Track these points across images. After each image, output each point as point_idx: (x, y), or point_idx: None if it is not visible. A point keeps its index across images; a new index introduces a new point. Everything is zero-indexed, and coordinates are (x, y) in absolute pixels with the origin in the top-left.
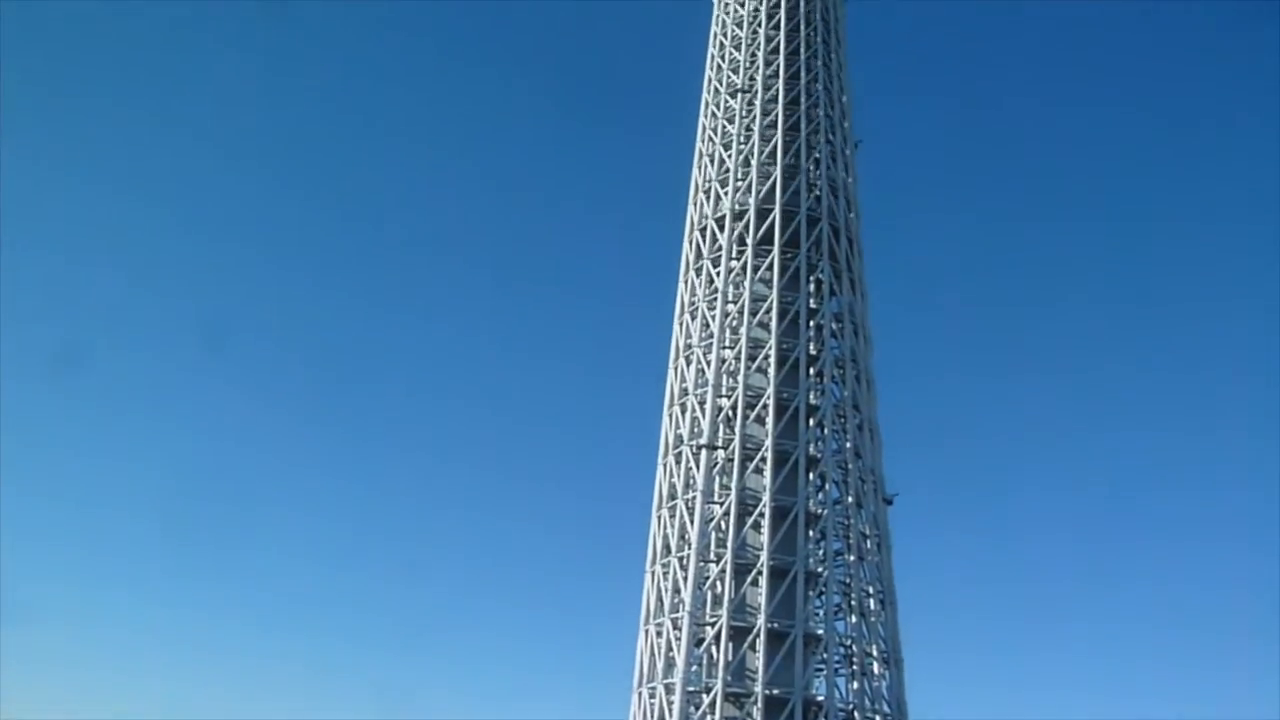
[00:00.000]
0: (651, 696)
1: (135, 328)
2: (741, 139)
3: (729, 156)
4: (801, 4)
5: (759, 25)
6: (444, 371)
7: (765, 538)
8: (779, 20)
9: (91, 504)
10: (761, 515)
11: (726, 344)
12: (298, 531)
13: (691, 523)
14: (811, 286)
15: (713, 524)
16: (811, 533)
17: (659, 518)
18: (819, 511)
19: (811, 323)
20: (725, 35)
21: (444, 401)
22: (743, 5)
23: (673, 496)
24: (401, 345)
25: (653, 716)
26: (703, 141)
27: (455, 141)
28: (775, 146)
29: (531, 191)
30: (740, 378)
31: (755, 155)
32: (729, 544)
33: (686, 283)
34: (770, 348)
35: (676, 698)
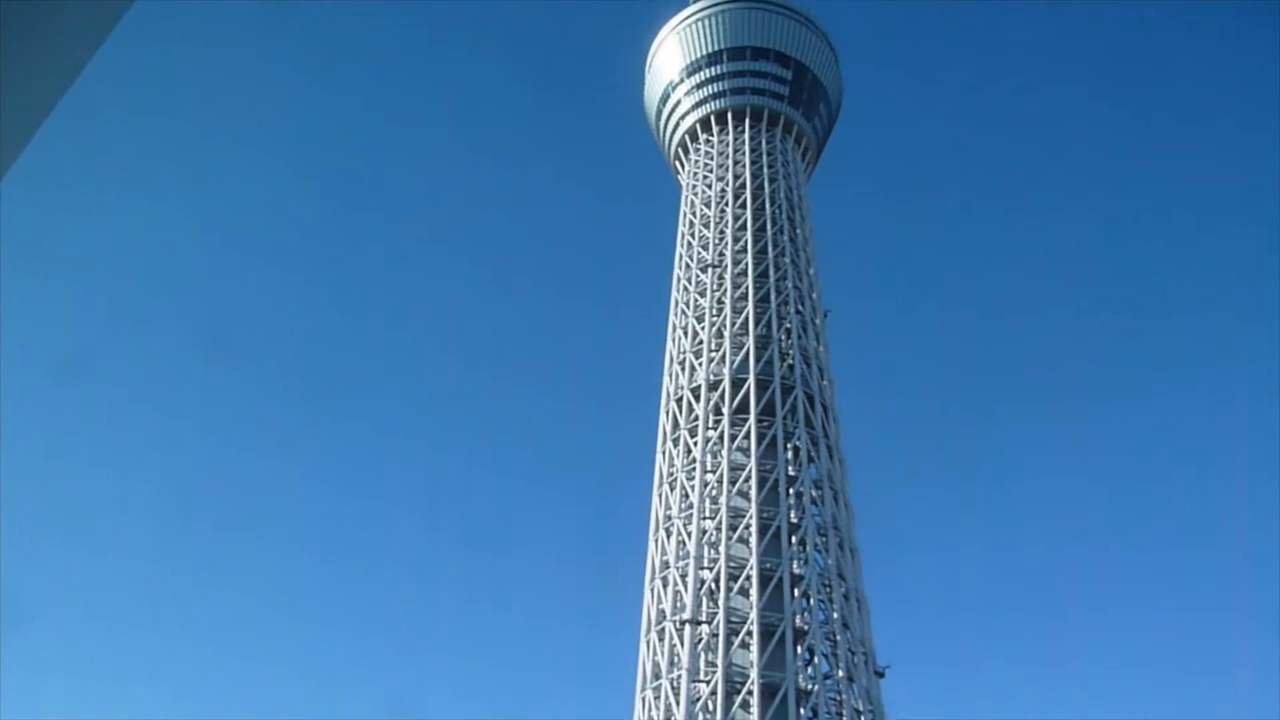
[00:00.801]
0: None
1: (139, 331)
2: (714, 311)
3: (702, 329)
4: (766, 184)
5: (726, 204)
6: (445, 373)
7: (755, 718)
8: (745, 199)
9: (93, 505)
10: (750, 693)
11: (707, 514)
12: (299, 533)
13: (678, 703)
14: (789, 454)
15: (699, 704)
16: (803, 710)
17: (643, 699)
18: (809, 688)
19: (791, 490)
20: (695, 214)
21: (446, 402)
22: (710, 186)
23: (657, 676)
24: (405, 346)
25: None
26: (676, 315)
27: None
28: (747, 318)
29: (515, 380)
30: (722, 549)
31: (728, 327)
32: None
33: (664, 454)
34: (751, 517)
35: None
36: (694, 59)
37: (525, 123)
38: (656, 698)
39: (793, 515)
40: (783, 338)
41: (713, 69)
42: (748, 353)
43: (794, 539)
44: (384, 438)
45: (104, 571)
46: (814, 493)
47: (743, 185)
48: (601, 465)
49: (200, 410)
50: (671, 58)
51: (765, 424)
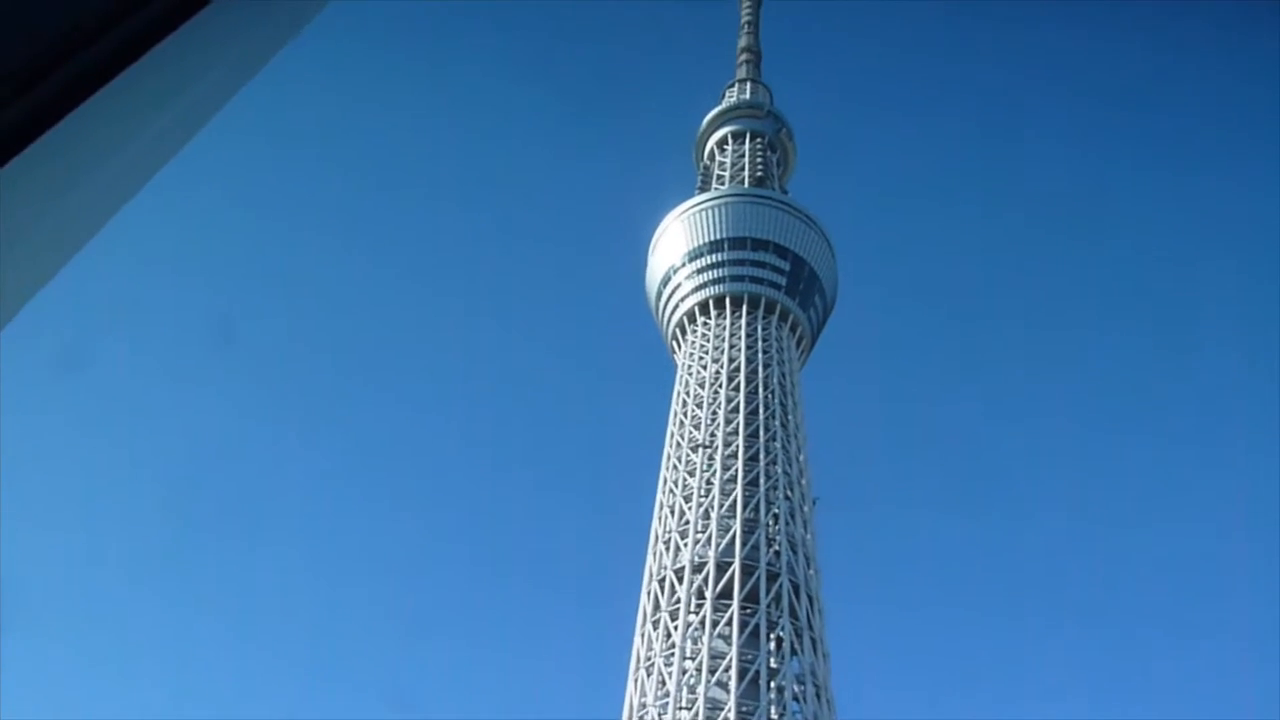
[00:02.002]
0: None
1: (141, 325)
2: (702, 492)
3: (689, 508)
4: (760, 369)
5: (720, 386)
6: (447, 372)
7: None
8: (739, 383)
9: (94, 504)
10: None
11: (683, 705)
12: (301, 532)
13: None
14: (772, 645)
15: None
16: None
17: None
18: None
19: (772, 684)
20: (688, 393)
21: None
22: (705, 368)
23: None
24: (408, 344)
25: None
26: (664, 493)
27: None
28: (735, 500)
29: (496, 564)
30: None
31: (715, 508)
32: None
33: (643, 636)
34: (730, 710)
35: None
36: (697, 245)
37: (528, 291)
38: None
39: (773, 711)
40: (770, 523)
41: (714, 256)
42: (734, 536)
43: None
44: (388, 435)
45: (105, 567)
46: (796, 688)
47: (737, 369)
48: (580, 642)
49: (201, 406)
50: (675, 243)
51: (748, 611)
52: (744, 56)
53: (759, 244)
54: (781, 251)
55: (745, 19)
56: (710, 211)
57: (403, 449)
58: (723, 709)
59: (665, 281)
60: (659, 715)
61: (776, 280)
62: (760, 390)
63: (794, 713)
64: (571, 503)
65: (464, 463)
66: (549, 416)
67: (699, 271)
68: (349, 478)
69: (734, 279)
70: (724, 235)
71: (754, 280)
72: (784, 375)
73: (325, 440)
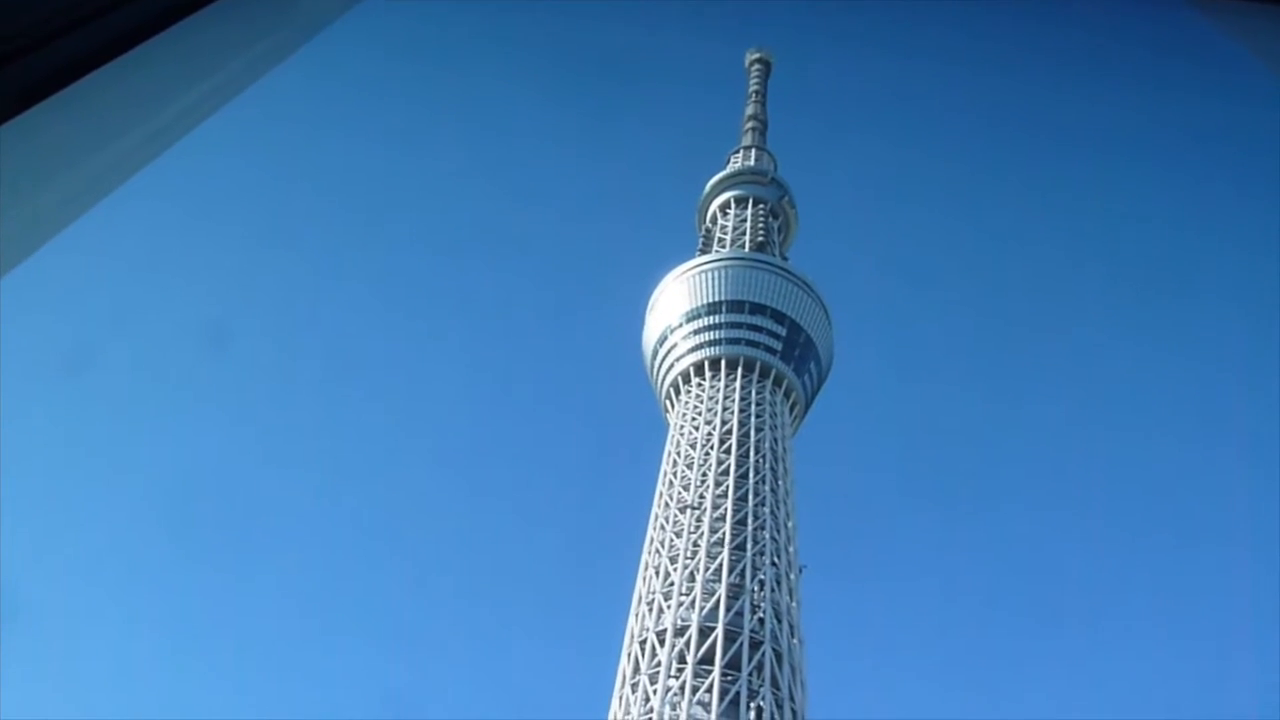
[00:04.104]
0: None
1: (140, 329)
2: (688, 554)
3: (675, 570)
4: (753, 432)
5: (712, 448)
6: (447, 372)
7: None
8: (730, 445)
9: (94, 504)
10: None
11: None
12: (301, 533)
13: None
14: (752, 714)
15: None
16: None
17: None
18: None
19: None
20: (679, 454)
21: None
22: (697, 429)
23: None
24: (406, 347)
25: None
26: (649, 553)
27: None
28: (721, 564)
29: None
30: None
31: (701, 572)
32: None
33: (620, 699)
34: None
35: None
36: (695, 306)
37: (523, 345)
38: None
39: None
40: (756, 589)
41: (711, 318)
42: (719, 600)
43: None
44: (386, 436)
45: (105, 569)
46: None
47: (729, 431)
48: (557, 701)
49: (200, 408)
50: (674, 303)
51: (729, 679)
52: (750, 124)
53: (756, 308)
54: (779, 317)
55: (753, 87)
56: (710, 274)
57: (390, 481)
58: None
59: (662, 340)
60: None
61: (772, 345)
62: (751, 454)
63: None
64: (554, 557)
65: (445, 497)
66: (539, 465)
67: (696, 332)
68: (344, 488)
69: (730, 341)
70: (722, 298)
71: (750, 344)
72: (776, 440)
73: (319, 445)
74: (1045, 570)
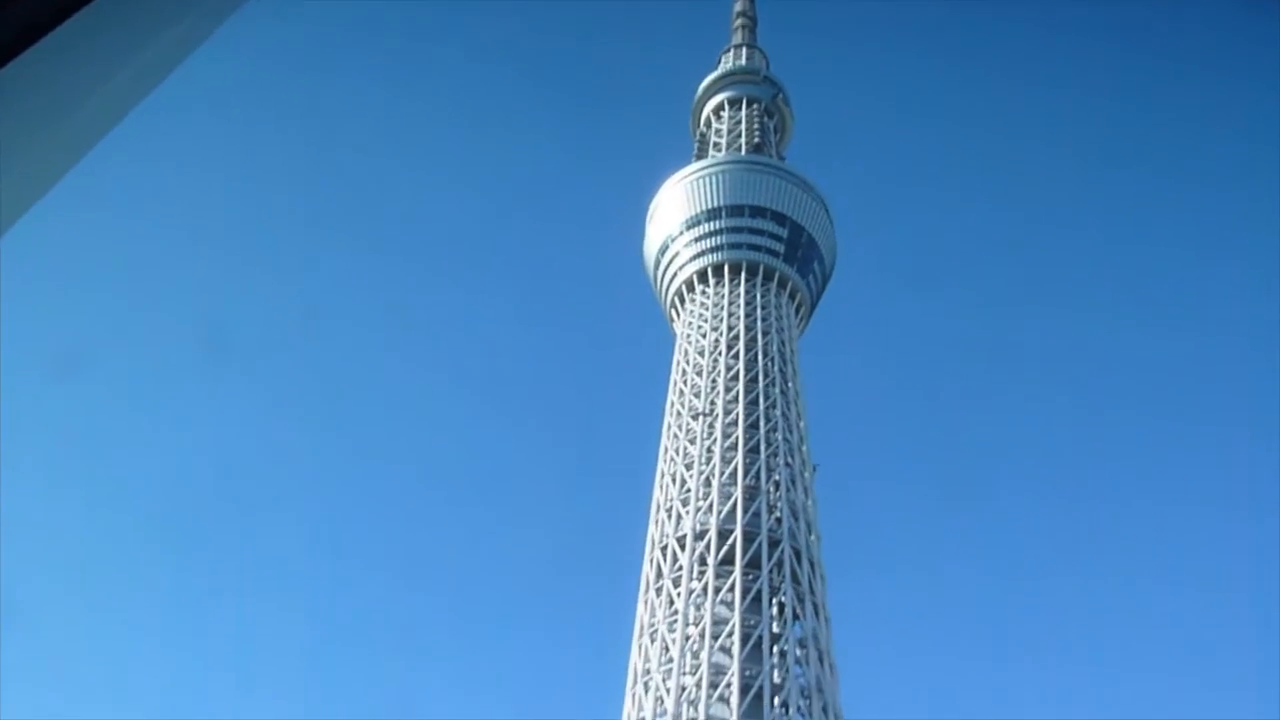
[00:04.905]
0: None
1: (136, 333)
2: (703, 460)
3: (690, 476)
4: (760, 336)
5: (719, 354)
6: (447, 372)
7: None
8: (738, 350)
9: (93, 508)
10: None
11: (687, 670)
12: (298, 535)
13: None
14: (774, 610)
15: None
16: None
17: None
18: None
19: (775, 649)
20: (688, 362)
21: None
22: (704, 336)
23: None
24: (407, 349)
25: None
26: (665, 462)
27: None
28: (736, 468)
29: (498, 524)
30: (701, 707)
31: (716, 476)
32: None
33: (646, 604)
34: (733, 675)
35: None
36: (694, 213)
37: (524, 265)
38: None
39: (776, 675)
40: (771, 490)
41: (712, 224)
42: (735, 503)
43: (776, 700)
44: (384, 440)
45: (103, 572)
46: (798, 652)
47: (736, 336)
48: (582, 612)
49: (197, 411)
50: (673, 211)
51: (751, 578)
52: (739, 21)
53: (757, 211)
54: (779, 218)
55: None
56: (707, 179)
57: (400, 426)
58: (726, 674)
59: (663, 250)
60: (663, 680)
61: (774, 247)
62: (760, 358)
63: (797, 676)
64: (573, 474)
65: (466, 435)
66: (548, 392)
67: (697, 240)
68: (350, 460)
69: (732, 246)
70: (721, 203)
71: (752, 247)
72: (783, 343)
73: (321, 427)
74: (1050, 458)
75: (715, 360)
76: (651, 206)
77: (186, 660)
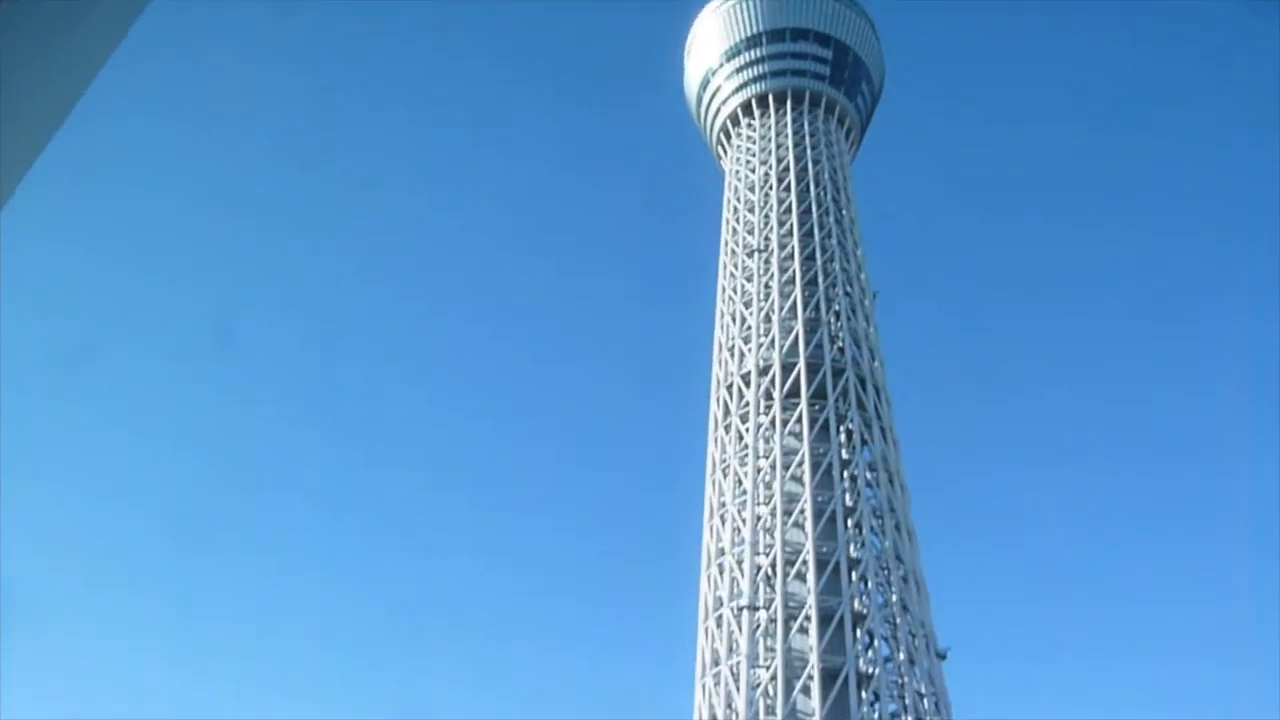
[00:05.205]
0: None
1: (141, 326)
2: (761, 296)
3: (750, 314)
4: (810, 166)
5: (771, 188)
6: (448, 368)
7: (816, 702)
8: (789, 183)
9: (96, 503)
10: (810, 678)
11: (761, 500)
12: (305, 531)
13: (738, 689)
14: (842, 437)
15: (759, 690)
16: (864, 694)
17: (703, 686)
18: (870, 671)
19: (845, 474)
20: (739, 199)
21: (450, 399)
22: (754, 171)
23: (716, 662)
24: (409, 343)
25: None
26: (723, 302)
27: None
28: (795, 302)
29: (565, 372)
30: (777, 534)
31: (776, 311)
32: (779, 710)
33: (716, 441)
34: (805, 502)
35: None
36: (733, 43)
37: (561, 116)
38: (716, 684)
39: (848, 499)
40: (832, 320)
41: (752, 52)
42: (797, 336)
43: (849, 523)
44: (391, 434)
45: (107, 569)
46: (868, 475)
47: (786, 168)
48: (653, 454)
49: (203, 405)
50: (710, 43)
51: (817, 408)
52: None
53: (798, 34)
54: (823, 39)
55: None
56: (743, 4)
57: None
58: (799, 501)
59: (704, 85)
60: (738, 512)
61: (819, 71)
62: (812, 188)
63: (868, 498)
64: (635, 322)
65: (531, 287)
66: (598, 246)
67: (738, 70)
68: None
69: (775, 74)
70: (760, 28)
71: (796, 74)
72: (835, 170)
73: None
74: (1116, 274)
75: (767, 194)
76: (689, 39)
77: (191, 659)
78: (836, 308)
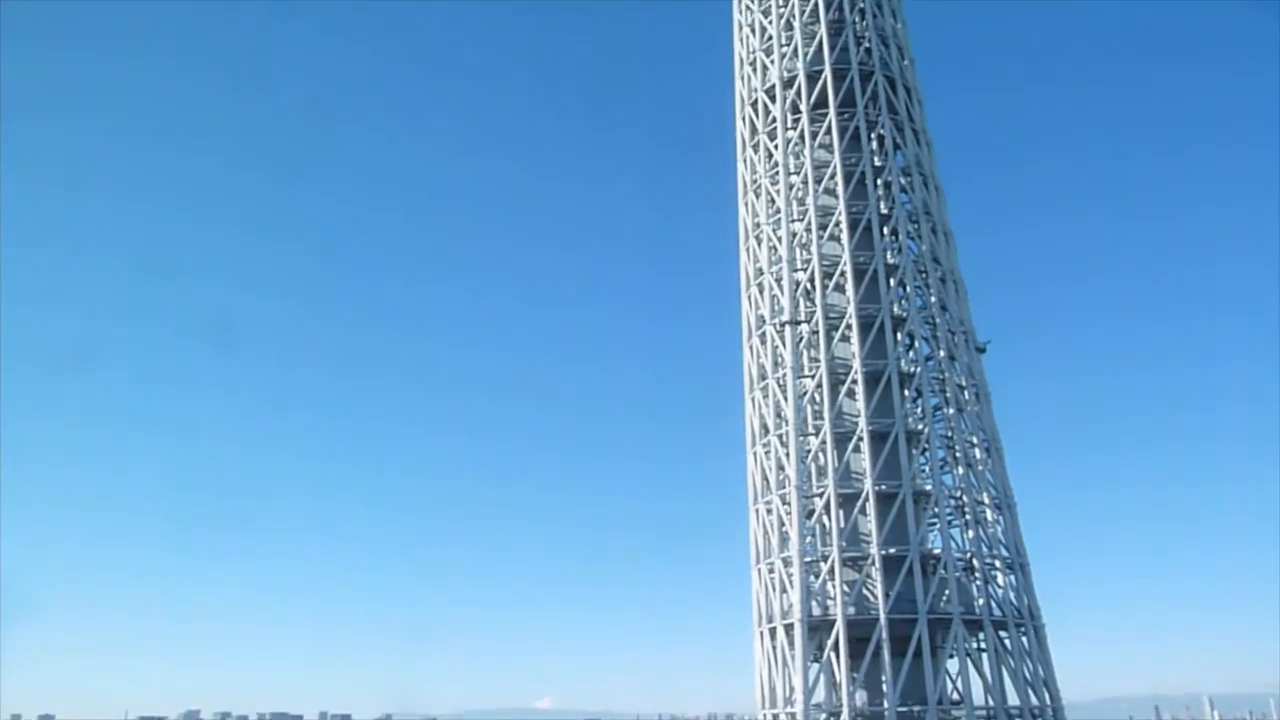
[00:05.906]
0: (770, 571)
1: (144, 325)
2: (780, 2)
3: (770, 23)
4: None
5: None
6: (449, 365)
7: (861, 404)
8: None
9: (99, 499)
10: (854, 383)
11: (795, 216)
12: (306, 526)
13: (786, 399)
14: (874, 144)
15: (806, 398)
16: (907, 392)
17: (752, 399)
18: (912, 371)
19: (879, 181)
20: None
21: (451, 394)
22: None
23: (763, 377)
24: (409, 340)
25: (773, 590)
26: (740, 12)
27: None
28: (816, 3)
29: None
30: (814, 249)
31: (797, 16)
32: (826, 415)
33: (745, 161)
34: (840, 213)
35: (795, 569)
36: None
37: None
38: (765, 396)
39: (882, 206)
40: (856, 20)
41: None
42: (821, 41)
43: (885, 229)
44: (391, 430)
45: (108, 564)
46: (903, 180)
47: None
48: (680, 181)
49: (205, 402)
50: None
51: (846, 116)
52: None
53: None
54: None
55: None
56: None
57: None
58: (833, 214)
59: None
60: (773, 230)
61: None
62: None
63: (904, 203)
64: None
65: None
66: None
67: None
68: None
69: None
70: None
71: None
72: None
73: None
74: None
75: None
76: None
77: (191, 654)
78: (861, 5)
